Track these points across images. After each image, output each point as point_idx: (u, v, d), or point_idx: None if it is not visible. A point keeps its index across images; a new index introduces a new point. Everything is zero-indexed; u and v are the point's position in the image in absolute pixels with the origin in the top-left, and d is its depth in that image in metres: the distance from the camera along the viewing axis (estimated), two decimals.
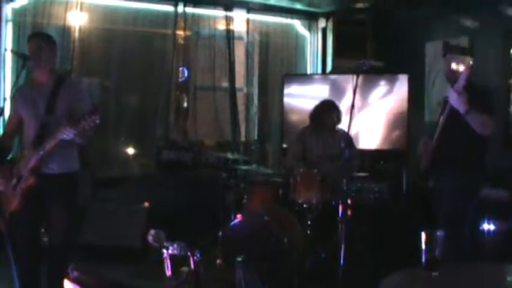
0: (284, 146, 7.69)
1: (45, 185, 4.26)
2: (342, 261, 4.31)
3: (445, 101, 4.91)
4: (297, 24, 8.50)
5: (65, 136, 4.05)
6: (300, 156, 6.29)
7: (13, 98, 4.50)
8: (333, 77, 7.85)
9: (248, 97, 8.21)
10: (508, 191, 5.31)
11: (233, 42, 7.86)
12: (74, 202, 4.45)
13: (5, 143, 4.54)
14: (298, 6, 8.16)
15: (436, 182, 4.89)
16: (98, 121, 4.04)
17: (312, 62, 8.58)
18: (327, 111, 6.28)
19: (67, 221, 4.37)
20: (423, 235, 2.61)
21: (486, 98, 4.67)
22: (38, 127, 4.28)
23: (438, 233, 2.62)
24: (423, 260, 2.62)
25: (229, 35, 7.84)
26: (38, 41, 4.41)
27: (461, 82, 4.41)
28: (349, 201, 4.51)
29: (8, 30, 6.67)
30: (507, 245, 4.95)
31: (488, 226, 5.31)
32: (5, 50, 6.53)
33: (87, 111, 4.07)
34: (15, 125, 4.51)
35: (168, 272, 2.89)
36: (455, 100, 4.41)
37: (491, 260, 4.93)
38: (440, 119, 4.68)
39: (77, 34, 6.93)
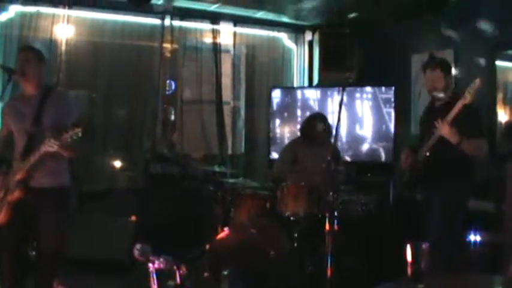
0: (271, 158, 7.70)
1: (35, 198, 4.24)
2: (329, 274, 4.31)
3: (428, 110, 4.96)
4: (284, 37, 8.53)
5: (48, 148, 4.05)
6: (288, 167, 6.28)
7: (3, 111, 4.51)
8: (319, 89, 7.88)
9: (235, 110, 8.21)
10: (494, 202, 5.33)
11: (220, 55, 7.87)
12: (64, 216, 4.43)
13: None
14: (285, 19, 8.19)
15: (425, 194, 4.90)
16: (80, 134, 4.03)
17: (298, 75, 8.61)
18: (316, 124, 6.29)
19: (57, 236, 4.35)
20: (408, 247, 2.61)
21: (476, 119, 4.70)
22: (25, 140, 4.29)
23: (424, 245, 2.62)
24: (409, 272, 2.62)
25: (216, 48, 7.86)
26: (26, 55, 4.43)
27: (452, 114, 4.48)
28: (336, 214, 4.50)
29: None
30: (493, 256, 4.97)
31: (474, 237, 5.33)
32: None
33: (70, 123, 4.07)
34: (5, 138, 4.51)
35: (154, 286, 2.87)
36: (447, 132, 4.49)
37: (478, 271, 4.94)
38: (432, 134, 4.70)
39: (63, 47, 6.92)
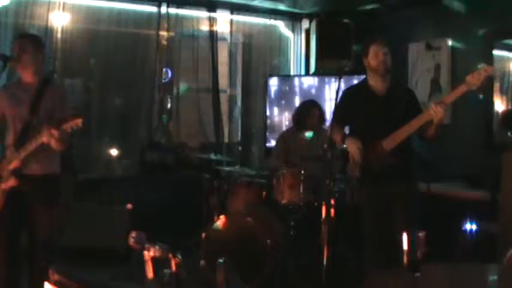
0: (268, 146, 7.70)
1: (26, 186, 4.23)
2: (325, 262, 4.31)
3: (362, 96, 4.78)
4: (281, 25, 8.50)
5: (47, 138, 4.03)
6: (283, 157, 6.29)
7: None
8: (316, 78, 7.86)
9: (231, 98, 8.20)
10: (490, 191, 5.33)
11: (216, 43, 7.83)
12: (55, 203, 4.42)
13: None
14: (282, 7, 8.15)
15: (381, 190, 4.67)
16: (80, 124, 4.02)
17: (295, 63, 8.58)
18: (309, 111, 6.29)
19: (49, 223, 4.34)
20: (405, 236, 2.61)
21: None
22: (20, 127, 4.26)
23: (420, 234, 2.62)
24: (405, 260, 2.63)
25: (212, 36, 7.82)
26: (22, 43, 4.37)
27: (452, 97, 4.34)
28: (332, 202, 4.50)
29: None
30: (489, 245, 4.98)
31: (470, 226, 5.34)
32: None
33: (70, 114, 4.05)
34: None
35: (150, 274, 2.87)
36: (443, 116, 4.28)
37: (473, 260, 4.96)
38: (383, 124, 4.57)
39: (59, 35, 6.88)
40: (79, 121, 4.01)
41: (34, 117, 4.23)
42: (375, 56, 4.64)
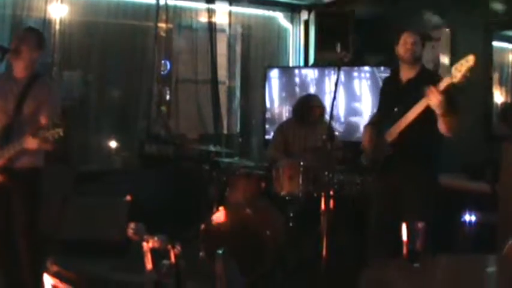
0: (267, 138, 7.70)
1: (8, 179, 4.21)
2: (324, 254, 4.31)
3: (392, 83, 4.77)
4: (280, 17, 8.49)
5: (29, 145, 4.03)
6: (282, 148, 6.29)
7: None
8: (315, 69, 7.84)
9: (230, 90, 8.19)
10: (490, 183, 5.32)
11: (215, 35, 7.81)
12: (36, 198, 4.39)
13: None
14: None
15: (391, 178, 4.56)
16: (61, 133, 4.00)
17: (294, 55, 8.57)
18: (310, 105, 6.29)
19: (29, 217, 4.31)
20: (404, 227, 2.61)
21: (456, 97, 4.37)
22: (5, 121, 4.22)
23: (419, 225, 2.61)
24: (404, 251, 2.62)
25: (211, 28, 7.80)
26: (23, 34, 4.36)
27: (443, 85, 4.12)
28: (331, 193, 4.49)
29: None
30: (488, 236, 4.98)
31: (469, 218, 5.34)
32: None
33: (51, 124, 4.03)
34: None
35: (149, 266, 2.87)
36: (437, 101, 4.07)
37: (472, 251, 4.96)
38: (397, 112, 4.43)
39: (57, 27, 6.85)
40: (59, 130, 3.98)
41: (18, 116, 4.20)
42: (404, 44, 4.59)
